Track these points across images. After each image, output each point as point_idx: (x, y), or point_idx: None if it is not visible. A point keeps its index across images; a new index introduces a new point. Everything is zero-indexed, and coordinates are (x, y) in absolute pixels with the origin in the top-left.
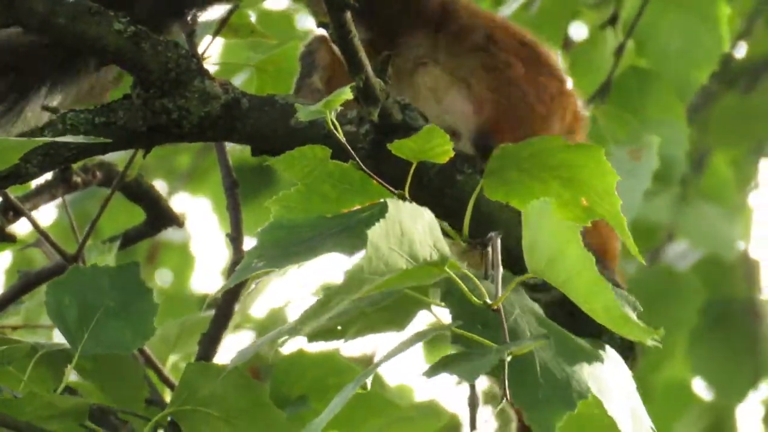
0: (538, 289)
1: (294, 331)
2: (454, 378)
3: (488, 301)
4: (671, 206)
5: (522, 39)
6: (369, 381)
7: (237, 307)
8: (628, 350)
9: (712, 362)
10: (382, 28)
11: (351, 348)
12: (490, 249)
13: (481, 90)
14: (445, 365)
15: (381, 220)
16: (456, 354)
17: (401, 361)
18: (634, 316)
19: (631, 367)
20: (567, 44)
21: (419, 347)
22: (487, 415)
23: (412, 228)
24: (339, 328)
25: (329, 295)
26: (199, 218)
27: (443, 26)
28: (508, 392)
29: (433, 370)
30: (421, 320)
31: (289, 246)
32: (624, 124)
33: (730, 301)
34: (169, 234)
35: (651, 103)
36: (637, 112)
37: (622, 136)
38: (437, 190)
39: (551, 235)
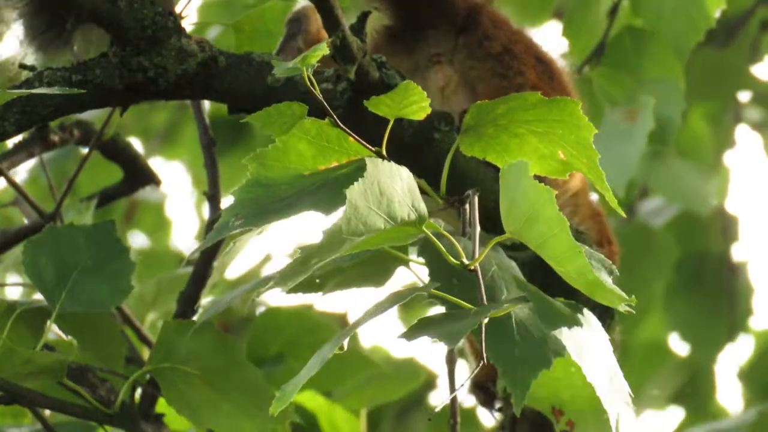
0: (515, 248)
1: (270, 284)
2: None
3: (465, 261)
4: (646, 162)
5: (539, 55)
6: (346, 342)
7: (215, 265)
8: (605, 312)
9: (688, 318)
10: (406, 20)
11: (325, 305)
12: (467, 207)
13: (486, 95)
14: (424, 328)
15: (359, 180)
16: (434, 316)
17: (376, 322)
18: (609, 280)
19: (608, 330)
20: (558, 14)
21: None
22: (463, 371)
23: (390, 187)
24: (317, 281)
25: (308, 254)
26: (174, 180)
27: (466, 30)
28: (485, 354)
29: (411, 333)
30: (399, 277)
31: (266, 204)
32: (619, 85)
33: (706, 257)
34: (146, 193)
35: (647, 62)
36: (632, 72)
37: (618, 96)
38: (414, 148)
39: (527, 197)
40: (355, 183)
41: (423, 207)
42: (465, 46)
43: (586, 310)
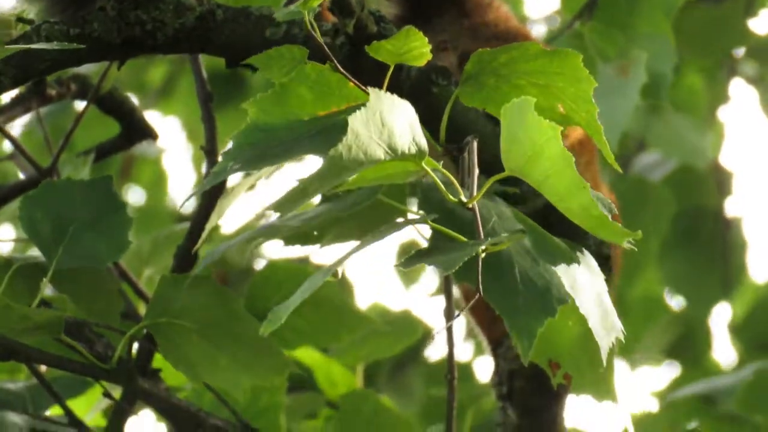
0: (515, 200)
1: (271, 233)
2: (427, 293)
3: (464, 199)
4: (643, 116)
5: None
6: (340, 270)
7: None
8: (604, 261)
9: (683, 272)
10: (413, 8)
11: (323, 258)
12: (466, 154)
13: None
14: (421, 256)
15: (362, 108)
16: (432, 247)
17: (375, 280)
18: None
19: (606, 280)
20: None
21: (396, 274)
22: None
23: (392, 119)
24: (315, 233)
25: (307, 183)
26: (171, 134)
27: (469, 14)
28: (481, 288)
29: (409, 261)
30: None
31: (265, 148)
32: (611, 40)
33: (701, 212)
34: (143, 148)
35: (638, 18)
36: (624, 28)
37: (610, 52)
38: (413, 100)
39: (531, 133)
40: (358, 111)
41: (423, 142)
42: (469, 29)
43: (585, 251)
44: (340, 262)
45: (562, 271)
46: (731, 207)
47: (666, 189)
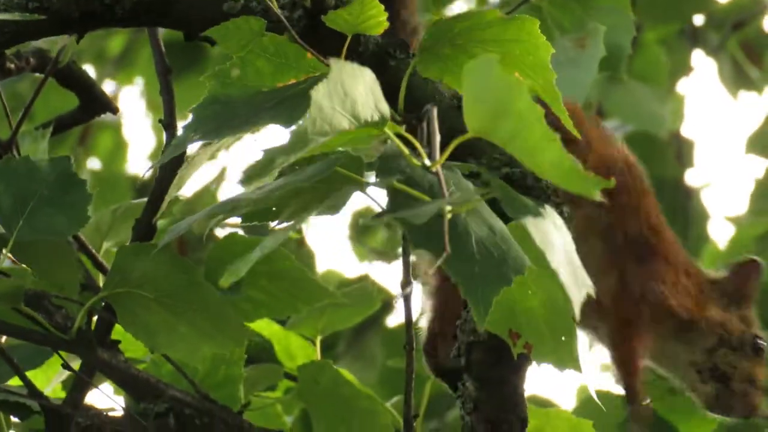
0: (472, 176)
1: (231, 208)
2: (385, 260)
3: (427, 162)
4: (602, 85)
5: None
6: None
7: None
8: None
9: None
10: None
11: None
12: (425, 124)
13: None
14: (386, 213)
15: (324, 81)
16: (397, 203)
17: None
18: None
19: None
20: None
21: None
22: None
23: (354, 89)
24: (274, 209)
25: (273, 154)
26: (128, 104)
27: None
28: (448, 246)
29: (377, 217)
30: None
31: (224, 120)
32: (569, 13)
33: (661, 182)
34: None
35: None
36: (581, 0)
37: (567, 24)
38: None
39: (495, 91)
40: (320, 84)
41: (386, 108)
42: None
43: (551, 209)
44: (301, 220)
45: (532, 225)
46: (692, 177)
47: None
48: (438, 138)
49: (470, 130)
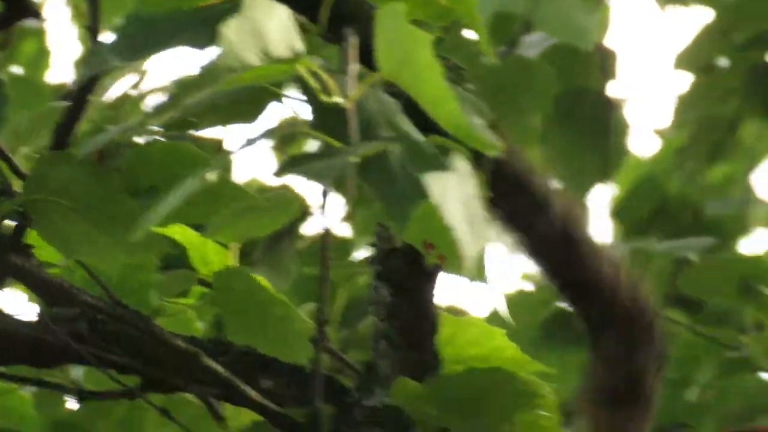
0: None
1: (145, 124)
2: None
3: (339, 99)
4: None
5: None
6: (213, 175)
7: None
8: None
9: (562, 153)
10: None
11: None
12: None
13: None
14: (294, 165)
15: (235, 16)
16: (306, 154)
17: (250, 157)
18: (481, 122)
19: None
20: None
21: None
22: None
23: (266, 25)
24: (193, 120)
25: (184, 88)
26: (53, 13)
27: None
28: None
29: (282, 170)
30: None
31: (145, 38)
32: None
33: (583, 92)
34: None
35: None
36: None
37: None
38: None
39: (402, 40)
40: (231, 20)
41: (300, 46)
42: None
43: (456, 154)
44: (218, 164)
45: (432, 179)
46: (614, 89)
47: (546, 67)
48: (351, 68)
49: (382, 70)
